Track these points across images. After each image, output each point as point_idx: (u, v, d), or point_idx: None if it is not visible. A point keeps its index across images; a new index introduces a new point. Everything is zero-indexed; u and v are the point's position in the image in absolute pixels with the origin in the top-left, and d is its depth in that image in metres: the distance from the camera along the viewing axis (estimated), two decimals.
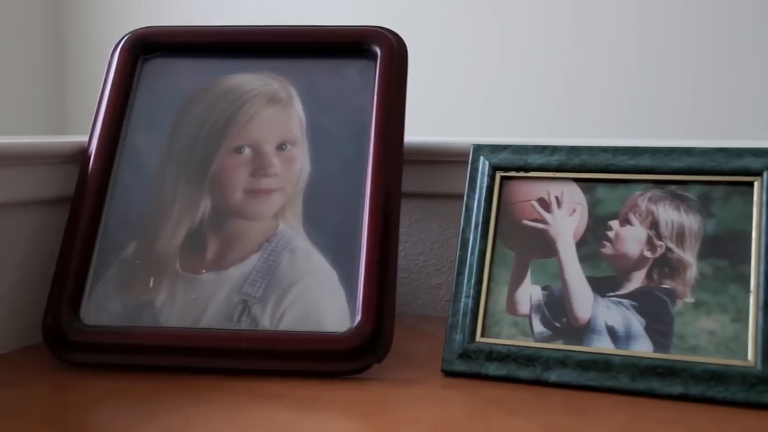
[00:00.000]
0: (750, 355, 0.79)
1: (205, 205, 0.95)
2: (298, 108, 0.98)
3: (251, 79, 1.01)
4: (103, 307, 0.90)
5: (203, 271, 0.92)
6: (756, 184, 0.84)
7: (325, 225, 0.93)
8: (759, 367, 0.77)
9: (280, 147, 0.96)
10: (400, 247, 1.25)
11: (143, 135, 0.99)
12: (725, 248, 0.84)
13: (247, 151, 0.96)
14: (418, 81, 1.18)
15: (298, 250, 0.92)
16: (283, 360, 0.86)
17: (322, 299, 0.89)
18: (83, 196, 0.94)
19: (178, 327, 0.88)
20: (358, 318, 0.86)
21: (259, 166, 0.95)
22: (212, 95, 1.00)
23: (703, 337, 0.81)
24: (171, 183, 0.96)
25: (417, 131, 1.19)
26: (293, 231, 0.93)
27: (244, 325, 0.88)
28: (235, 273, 0.91)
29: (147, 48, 1.04)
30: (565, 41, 1.22)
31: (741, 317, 0.80)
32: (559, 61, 1.22)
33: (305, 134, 0.97)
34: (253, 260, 0.92)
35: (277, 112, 0.98)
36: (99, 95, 1.00)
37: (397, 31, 1.02)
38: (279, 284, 0.90)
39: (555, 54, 1.23)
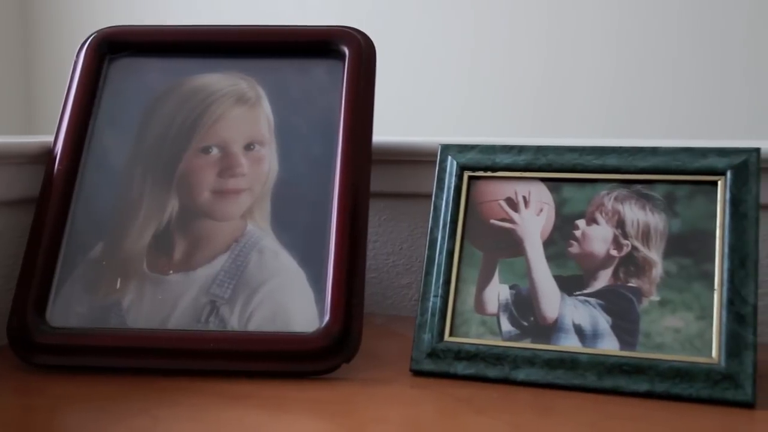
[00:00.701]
0: (714, 353, 0.79)
1: (173, 206, 0.94)
2: (266, 108, 0.98)
3: (219, 79, 1.00)
4: (70, 308, 0.89)
5: (171, 271, 0.91)
6: (720, 183, 0.85)
7: (293, 225, 0.92)
8: (723, 364, 0.78)
9: (248, 147, 0.96)
10: (370, 246, 1.25)
11: (110, 135, 0.98)
12: (690, 247, 0.84)
13: (215, 151, 0.96)
14: (387, 80, 1.18)
15: (266, 251, 0.91)
16: (252, 361, 0.86)
17: (291, 299, 0.89)
18: (49, 197, 0.93)
19: (146, 328, 0.88)
20: (327, 318, 0.86)
21: (227, 167, 0.95)
22: (180, 95, 1.00)
23: (669, 335, 0.82)
24: (138, 183, 0.95)
25: (386, 131, 1.20)
26: (261, 231, 0.92)
27: (212, 325, 0.88)
28: (203, 273, 0.91)
29: (114, 47, 1.03)
30: (537, 40, 1.23)
31: (705, 315, 0.81)
32: (530, 60, 1.23)
33: (273, 134, 0.97)
34: (221, 261, 0.91)
35: (245, 111, 0.98)
36: (65, 95, 0.99)
37: (365, 31, 1.02)
38: (247, 285, 0.90)
39: (526, 53, 1.23)
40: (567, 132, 1.19)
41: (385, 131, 1.18)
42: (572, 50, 1.21)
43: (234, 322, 0.88)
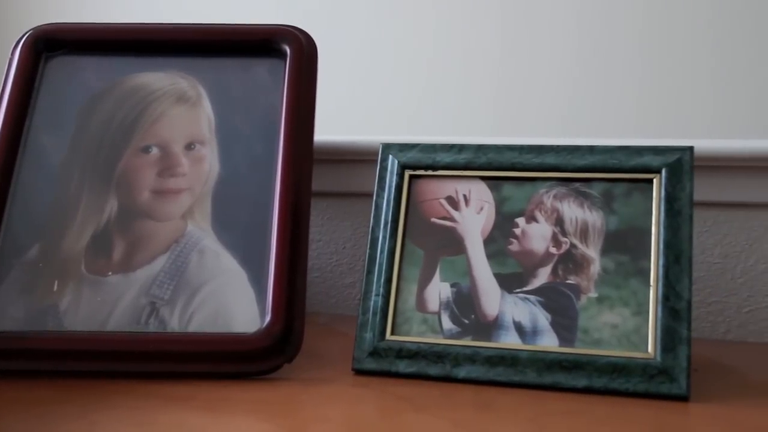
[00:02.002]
0: (650, 348, 0.81)
1: (112, 206, 0.93)
2: (207, 107, 0.97)
3: (159, 78, 0.99)
4: (5, 312, 0.88)
5: (110, 273, 0.90)
6: (655, 181, 0.86)
7: (234, 225, 0.92)
8: (658, 358, 0.80)
9: (189, 146, 0.95)
10: (313, 246, 1.25)
11: (47, 134, 0.96)
12: (627, 244, 0.86)
13: (154, 150, 0.95)
14: (330, 79, 1.18)
15: (207, 251, 0.91)
16: (192, 362, 0.85)
17: (232, 300, 0.88)
18: None
19: (84, 331, 0.87)
20: (268, 318, 0.86)
21: (167, 166, 0.94)
22: (119, 94, 0.98)
23: (606, 331, 0.83)
24: (76, 183, 0.94)
25: (329, 130, 1.19)
26: (202, 231, 0.92)
27: (152, 327, 0.87)
28: (143, 275, 0.90)
29: (50, 45, 1.01)
30: (484, 37, 1.24)
31: (641, 311, 0.83)
32: (476, 59, 1.24)
33: (214, 133, 0.96)
34: (161, 261, 0.90)
35: (186, 111, 0.97)
36: None
37: (306, 30, 1.02)
38: (188, 285, 0.89)
39: (470, 51, 1.24)
40: (513, 132, 1.20)
41: (328, 130, 1.18)
42: (523, 49, 1.22)
43: (174, 323, 0.87)
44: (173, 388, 0.81)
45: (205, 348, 0.85)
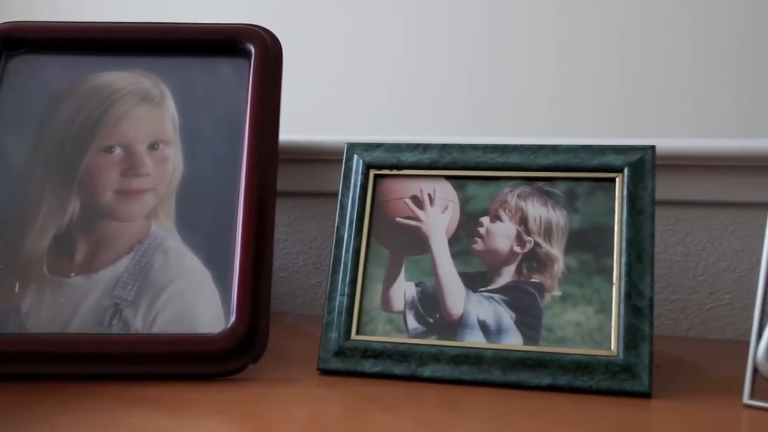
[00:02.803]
0: (613, 345, 0.82)
1: (74, 206, 0.92)
2: (170, 107, 0.97)
3: (122, 77, 0.98)
4: None
5: (72, 274, 0.89)
6: (618, 180, 0.87)
7: (198, 225, 0.91)
8: (621, 356, 0.80)
9: (153, 146, 0.94)
10: (279, 246, 1.25)
11: (7, 134, 0.95)
12: (590, 242, 0.86)
13: (118, 150, 0.94)
14: (295, 79, 1.18)
15: (171, 251, 0.90)
16: (156, 363, 0.85)
17: (196, 300, 0.88)
18: None
19: (46, 333, 0.86)
20: (233, 318, 0.86)
21: (130, 166, 0.93)
22: (81, 93, 0.97)
23: (570, 329, 0.84)
24: (37, 183, 0.93)
25: (296, 130, 1.19)
26: (166, 232, 0.91)
27: (116, 328, 0.86)
28: (106, 276, 0.89)
29: (11, 44, 1.00)
30: (447, 36, 1.24)
31: (605, 309, 0.84)
32: (438, 57, 1.24)
33: (178, 133, 0.96)
34: (124, 262, 0.90)
35: (149, 110, 0.96)
36: None
37: (271, 29, 1.02)
38: (152, 286, 0.88)
39: (431, 49, 1.24)
40: (484, 131, 1.21)
41: (294, 130, 1.18)
42: (493, 46, 1.23)
43: (138, 324, 0.87)
44: (137, 389, 0.81)
45: (169, 349, 0.85)
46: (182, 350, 0.85)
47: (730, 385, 0.82)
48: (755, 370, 0.79)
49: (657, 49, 1.17)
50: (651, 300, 0.82)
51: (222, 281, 0.88)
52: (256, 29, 1.01)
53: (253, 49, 0.99)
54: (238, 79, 0.99)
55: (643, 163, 0.86)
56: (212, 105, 0.97)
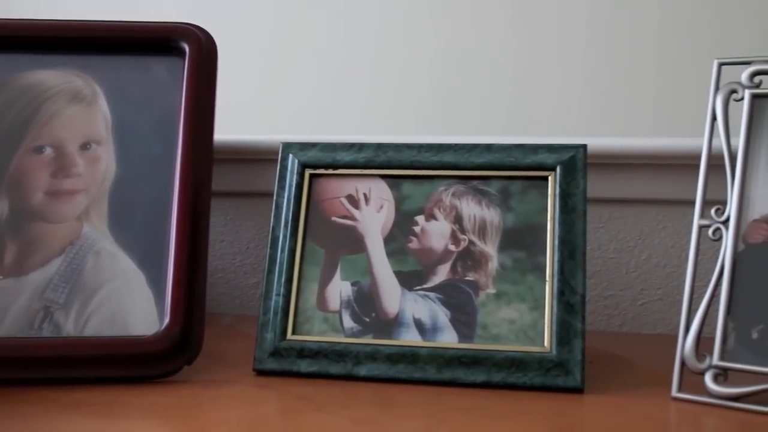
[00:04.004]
0: (546, 342, 0.83)
1: (3, 208, 0.90)
2: (103, 106, 0.95)
3: (52, 76, 0.96)
4: None
5: (0, 277, 0.87)
6: (550, 178, 0.88)
7: (132, 226, 0.90)
8: (554, 352, 0.82)
9: (84, 146, 0.93)
10: (216, 246, 1.24)
11: None
12: (523, 240, 0.87)
13: (48, 150, 0.92)
14: (231, 78, 1.17)
15: (103, 253, 0.89)
16: (89, 367, 0.83)
17: (129, 302, 0.87)
18: None
19: None
20: (167, 320, 0.85)
21: (61, 167, 0.92)
22: (10, 92, 0.95)
23: (504, 326, 0.85)
24: None
25: (234, 129, 1.19)
26: (98, 233, 0.90)
27: (46, 332, 0.85)
28: (36, 278, 0.87)
29: None
30: (374, 36, 1.24)
31: (538, 306, 0.85)
32: (367, 57, 1.24)
33: (111, 133, 0.94)
34: (55, 264, 0.88)
35: (81, 110, 0.95)
36: None
37: (206, 28, 1.01)
38: (83, 288, 0.87)
39: (366, 49, 1.24)
40: (407, 130, 1.22)
41: (232, 130, 1.17)
42: (430, 47, 1.23)
43: (70, 327, 0.85)
44: (69, 394, 0.80)
45: (101, 352, 0.84)
46: (115, 353, 0.84)
47: (660, 378, 0.84)
48: (683, 363, 0.81)
49: (591, 49, 1.19)
50: (583, 296, 0.83)
51: (156, 282, 0.87)
52: (191, 28, 1.00)
53: (187, 48, 0.98)
54: (172, 78, 0.97)
55: (574, 162, 0.88)
56: (146, 104, 0.96)
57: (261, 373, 0.87)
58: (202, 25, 1.00)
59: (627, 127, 1.16)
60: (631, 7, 1.17)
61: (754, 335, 0.78)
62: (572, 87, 1.18)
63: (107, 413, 0.76)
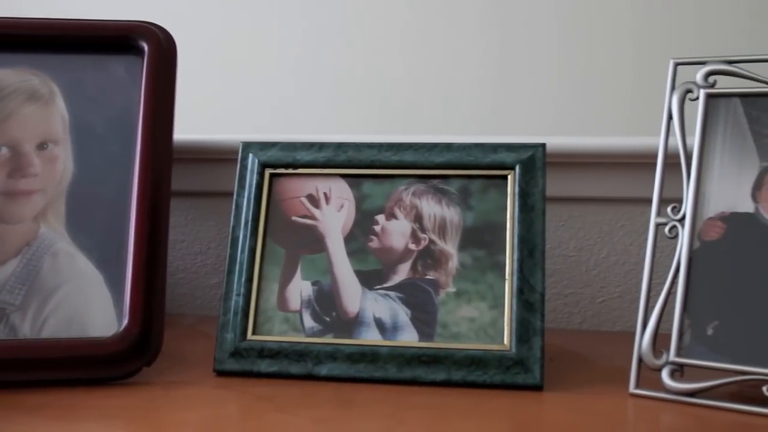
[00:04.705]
0: (506, 339, 0.83)
1: None
2: (60, 105, 0.94)
3: (8, 75, 0.95)
4: None
5: None
6: (509, 177, 0.89)
7: (90, 226, 0.89)
8: (514, 350, 0.82)
9: (41, 146, 0.92)
10: (177, 247, 1.23)
11: None
12: (483, 239, 0.88)
13: (4, 150, 0.91)
14: (191, 77, 1.16)
15: (60, 254, 0.88)
16: (46, 369, 0.82)
17: (87, 303, 0.86)
18: None
19: None
20: (126, 321, 0.84)
21: (17, 167, 0.91)
22: None
23: (464, 325, 0.85)
24: None
25: (196, 129, 1.18)
26: (56, 234, 0.89)
27: (2, 334, 0.84)
28: None
29: None
30: (336, 36, 1.24)
31: (498, 304, 0.85)
32: (328, 56, 1.24)
33: (68, 132, 0.93)
34: (11, 266, 0.87)
35: (38, 109, 0.94)
36: None
37: (165, 26, 1.00)
38: (40, 290, 0.86)
39: (325, 49, 1.24)
40: (368, 130, 1.22)
41: (195, 129, 1.17)
42: (373, 48, 1.23)
43: (26, 329, 0.84)
44: (26, 397, 0.79)
45: (58, 354, 0.83)
46: (73, 355, 0.83)
47: (619, 375, 0.85)
48: (640, 360, 0.82)
49: (537, 47, 1.19)
50: (542, 294, 0.84)
51: (114, 283, 0.87)
52: (150, 26, 0.99)
53: (146, 47, 0.97)
54: (130, 77, 0.97)
55: (534, 161, 0.88)
56: (104, 104, 0.95)
57: (221, 373, 0.86)
58: (160, 24, 1.00)
59: (590, 127, 1.17)
60: (591, 9, 1.18)
61: (709, 331, 0.79)
62: (536, 87, 1.19)
63: (65, 416, 0.75)
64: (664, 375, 0.80)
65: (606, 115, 1.17)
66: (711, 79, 0.85)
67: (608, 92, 1.17)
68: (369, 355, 0.84)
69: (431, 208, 0.90)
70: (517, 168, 0.88)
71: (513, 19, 1.20)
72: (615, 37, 1.18)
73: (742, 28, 1.14)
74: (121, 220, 0.89)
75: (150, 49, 0.97)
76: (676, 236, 0.83)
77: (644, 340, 0.82)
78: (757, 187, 0.81)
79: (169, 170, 0.93)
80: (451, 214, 0.89)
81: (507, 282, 0.85)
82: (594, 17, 1.18)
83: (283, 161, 0.93)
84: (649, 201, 0.85)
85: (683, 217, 0.83)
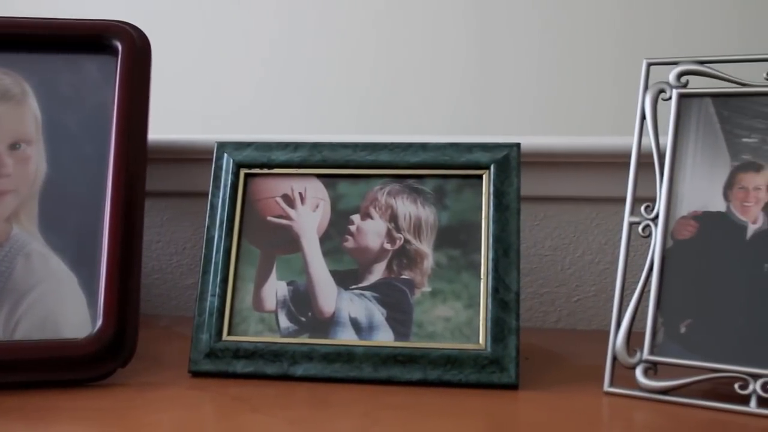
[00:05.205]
0: (481, 339, 0.83)
1: None
2: (33, 105, 0.93)
3: None
4: None
5: None
6: (484, 177, 0.89)
7: (63, 227, 0.89)
8: (489, 349, 0.82)
9: (13, 146, 0.91)
10: (153, 247, 1.22)
11: None
12: (458, 238, 0.88)
13: None
14: (166, 76, 1.16)
15: (33, 255, 0.87)
16: (19, 371, 0.82)
17: (61, 305, 0.85)
18: None
19: None
20: (100, 322, 0.84)
21: None
22: None
23: (440, 324, 0.85)
24: None
25: (178, 129, 1.17)
26: (28, 235, 0.88)
27: None
28: None
29: None
30: (309, 35, 1.24)
31: (473, 303, 0.85)
32: (301, 56, 1.24)
33: (41, 132, 0.92)
34: None
35: (10, 109, 0.93)
36: None
37: (139, 26, 1.00)
38: (13, 291, 0.85)
39: (299, 48, 1.24)
40: (344, 129, 1.22)
41: (170, 129, 1.16)
42: (346, 47, 1.23)
43: None
44: None
45: (32, 356, 0.82)
46: (46, 357, 0.82)
47: (593, 373, 0.85)
48: (614, 358, 0.82)
49: (513, 47, 1.20)
50: (517, 294, 0.84)
51: (88, 284, 0.86)
52: (123, 25, 0.98)
53: (120, 46, 0.96)
54: (104, 76, 0.96)
55: (508, 160, 0.89)
56: (78, 103, 0.95)
57: (196, 374, 0.86)
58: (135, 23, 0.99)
59: (568, 126, 1.17)
60: (570, 10, 1.19)
61: (682, 329, 0.80)
62: (515, 87, 1.19)
63: (39, 419, 0.74)
64: (638, 373, 0.80)
65: (584, 114, 1.18)
66: (683, 79, 0.85)
67: (586, 92, 1.18)
68: (345, 355, 0.84)
69: (406, 207, 0.90)
70: (492, 167, 0.89)
71: (491, 18, 1.20)
72: (592, 38, 1.18)
73: (717, 29, 1.15)
74: (95, 221, 0.89)
75: (124, 49, 0.96)
76: (649, 235, 0.84)
77: (618, 339, 0.82)
78: (728, 187, 0.82)
79: (144, 170, 0.93)
80: (427, 213, 0.89)
81: (482, 281, 0.85)
82: (573, 17, 1.19)
83: (258, 161, 0.93)
84: (624, 200, 0.86)
85: (656, 216, 0.83)
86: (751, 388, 0.75)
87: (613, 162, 1.09)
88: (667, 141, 0.84)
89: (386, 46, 1.23)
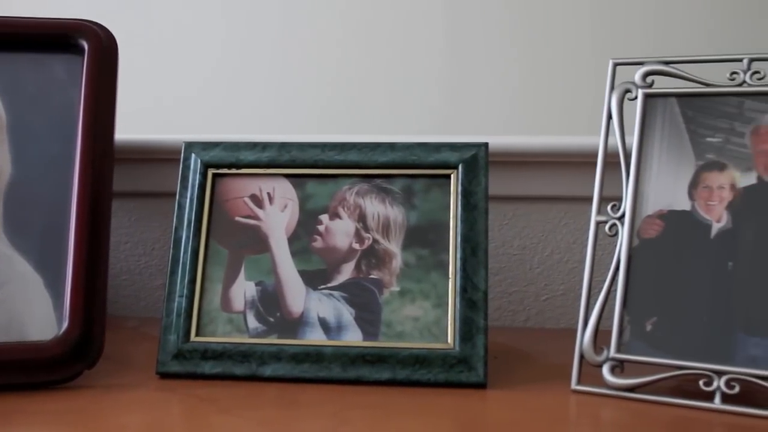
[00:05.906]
0: (449, 338, 0.84)
1: None
2: None
3: None
4: None
5: None
6: (452, 176, 0.89)
7: (28, 228, 0.88)
8: (457, 348, 0.83)
9: None
10: (121, 248, 1.22)
11: None
12: (427, 238, 0.88)
13: None
14: (133, 76, 1.15)
15: None
16: None
17: (26, 306, 0.84)
18: None
19: None
20: (66, 324, 0.83)
21: None
22: None
23: (409, 324, 0.85)
24: None
25: (143, 129, 1.17)
26: None
27: None
28: None
29: None
30: (275, 37, 1.24)
31: (441, 303, 0.86)
32: (266, 56, 1.24)
33: (5, 133, 0.91)
34: None
35: None
36: None
37: (106, 26, 0.99)
38: None
39: (264, 48, 1.24)
40: (312, 129, 1.21)
41: (136, 129, 1.15)
42: (315, 47, 1.23)
43: None
44: None
45: None
46: (12, 359, 0.81)
47: (561, 372, 0.86)
48: (582, 357, 0.83)
49: (487, 50, 1.20)
50: (485, 293, 0.85)
51: (54, 286, 0.85)
52: (90, 24, 0.97)
53: (86, 46, 0.96)
54: (70, 76, 0.95)
55: (476, 160, 0.89)
56: (43, 103, 0.94)
57: (164, 376, 0.85)
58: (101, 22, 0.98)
59: (535, 126, 1.18)
60: (538, 9, 1.20)
61: (648, 327, 0.81)
62: (484, 86, 1.20)
63: (5, 421, 0.73)
64: (605, 371, 0.81)
65: (555, 114, 1.18)
66: (649, 79, 0.86)
67: (557, 92, 1.18)
68: (313, 355, 0.84)
69: (375, 207, 0.90)
70: (460, 167, 0.89)
71: (462, 17, 1.21)
72: (562, 38, 1.19)
73: (687, 30, 1.16)
74: (60, 222, 0.88)
75: (90, 48, 0.96)
76: (616, 234, 0.84)
77: (585, 337, 0.83)
78: (693, 186, 0.83)
79: (111, 170, 0.92)
80: (395, 213, 0.90)
81: (450, 281, 0.86)
82: (543, 17, 1.19)
83: (226, 161, 0.93)
84: (591, 199, 0.86)
85: (623, 216, 0.84)
86: (715, 384, 0.76)
87: (582, 161, 1.10)
88: (633, 141, 0.85)
89: (355, 45, 1.23)
